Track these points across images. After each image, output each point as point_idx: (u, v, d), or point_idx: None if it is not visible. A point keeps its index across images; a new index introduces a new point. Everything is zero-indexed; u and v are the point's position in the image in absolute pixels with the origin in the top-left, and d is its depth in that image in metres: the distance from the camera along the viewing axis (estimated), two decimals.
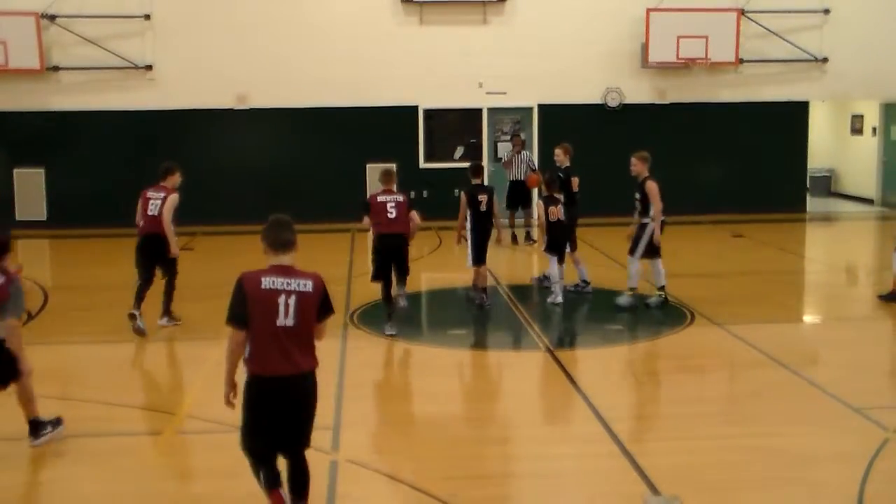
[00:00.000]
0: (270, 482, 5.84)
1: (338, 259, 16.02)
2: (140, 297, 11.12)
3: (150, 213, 11.33)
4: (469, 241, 12.37)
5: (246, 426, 5.82)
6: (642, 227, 12.27)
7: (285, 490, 5.87)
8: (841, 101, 23.79)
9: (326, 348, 10.32)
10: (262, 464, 5.86)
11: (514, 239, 18.44)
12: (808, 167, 22.45)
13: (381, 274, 11.20)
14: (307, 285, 5.71)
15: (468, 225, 12.38)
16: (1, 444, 7.65)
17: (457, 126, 21.08)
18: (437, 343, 10.91)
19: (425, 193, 20.94)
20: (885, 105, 22.72)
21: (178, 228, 16.82)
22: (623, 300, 12.21)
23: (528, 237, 18.62)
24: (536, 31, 20.64)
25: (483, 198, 12.27)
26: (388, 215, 11.13)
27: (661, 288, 12.35)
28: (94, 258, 17.22)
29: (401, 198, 11.46)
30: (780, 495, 6.49)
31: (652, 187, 12.22)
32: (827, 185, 25.25)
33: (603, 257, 16.07)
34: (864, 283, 15.22)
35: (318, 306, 5.78)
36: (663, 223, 12.36)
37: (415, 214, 11.49)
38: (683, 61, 20.48)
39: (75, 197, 20.07)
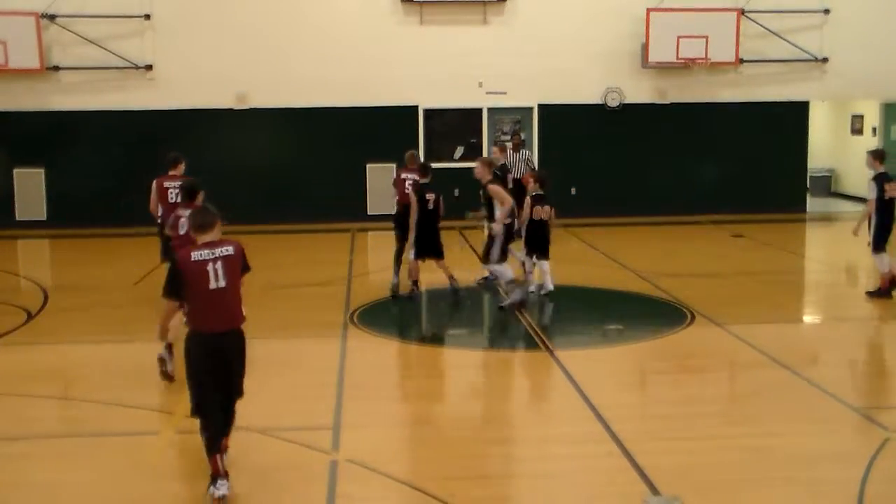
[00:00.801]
0: (212, 445, 6.48)
1: (338, 259, 16.01)
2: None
3: (170, 201, 11.59)
4: (413, 236, 12.64)
5: (189, 381, 6.55)
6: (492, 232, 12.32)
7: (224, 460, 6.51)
8: (841, 101, 23.79)
9: (326, 348, 10.38)
10: (210, 418, 6.53)
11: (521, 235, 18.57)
12: (809, 167, 22.45)
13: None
14: (229, 249, 6.51)
15: (414, 220, 12.63)
16: None
17: (457, 126, 21.06)
18: (438, 343, 10.90)
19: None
20: (885, 105, 22.70)
21: None
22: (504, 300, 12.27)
23: (519, 233, 18.63)
24: (536, 31, 20.63)
25: (431, 196, 12.61)
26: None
27: (544, 292, 12.77)
28: (93, 258, 17.22)
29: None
30: (780, 495, 6.49)
31: (494, 190, 12.23)
32: (827, 185, 25.24)
33: (603, 258, 16.06)
34: (863, 284, 15.20)
35: (241, 265, 6.57)
36: (535, 223, 12.75)
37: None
38: (683, 61, 20.47)
39: (75, 197, 20.07)
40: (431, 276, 13.19)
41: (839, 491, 6.48)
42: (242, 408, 8.27)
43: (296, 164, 20.59)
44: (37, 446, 7.57)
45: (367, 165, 20.79)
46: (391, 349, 10.60)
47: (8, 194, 20.07)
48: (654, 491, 6.42)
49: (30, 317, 12.02)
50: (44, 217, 20.19)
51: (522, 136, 19.95)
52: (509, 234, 12.57)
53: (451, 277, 12.90)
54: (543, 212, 12.83)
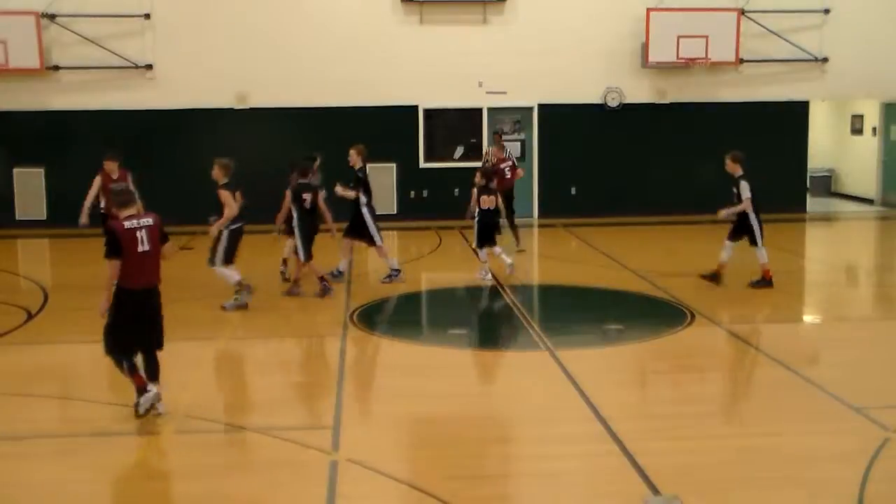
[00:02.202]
0: (132, 369, 7.94)
1: (337, 258, 16.00)
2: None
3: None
4: (298, 238, 12.90)
5: (115, 328, 7.89)
6: (220, 233, 12.41)
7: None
8: (841, 101, 23.80)
9: (326, 348, 10.38)
10: (126, 356, 7.94)
11: (513, 227, 18.87)
12: (809, 167, 22.44)
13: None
14: (150, 221, 7.93)
15: (296, 222, 12.93)
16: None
17: (457, 126, 21.06)
18: (438, 343, 10.90)
19: (425, 193, 20.96)
20: (886, 105, 22.70)
21: (176, 227, 16.83)
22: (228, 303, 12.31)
23: (513, 227, 19.00)
24: (536, 31, 20.64)
25: (307, 196, 12.95)
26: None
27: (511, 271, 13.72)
28: (93, 258, 17.14)
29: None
30: (779, 495, 6.49)
31: (223, 195, 12.36)
32: (827, 185, 25.24)
33: (603, 257, 16.06)
34: (863, 283, 15.23)
35: (160, 234, 7.96)
36: (483, 213, 13.63)
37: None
38: (684, 61, 20.48)
39: (75, 197, 20.03)
40: (434, 276, 13.19)
41: (839, 490, 6.49)
42: (242, 407, 8.29)
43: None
44: (37, 446, 7.57)
45: (368, 165, 20.75)
46: (391, 349, 10.60)
47: (8, 194, 20.07)
48: (654, 490, 6.43)
49: (30, 316, 12.02)
50: (44, 217, 20.18)
51: (506, 131, 20.21)
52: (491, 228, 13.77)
53: (295, 282, 13.09)
54: (490, 201, 13.71)
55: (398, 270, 13.89)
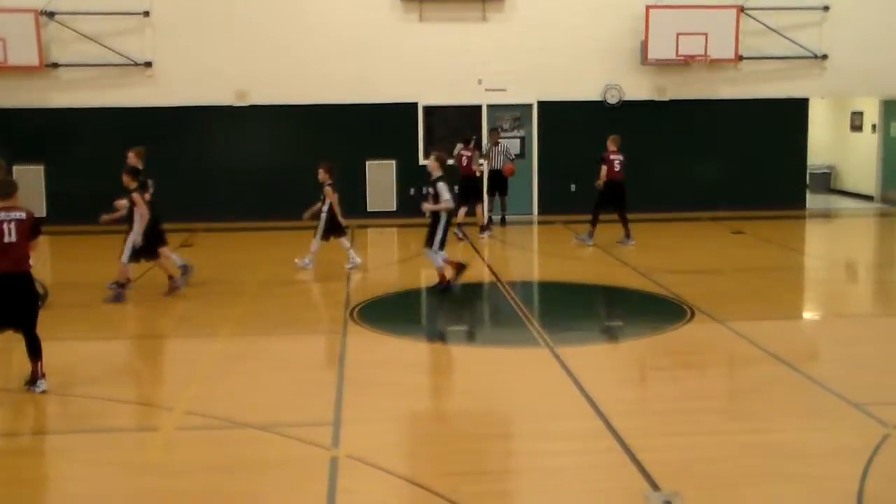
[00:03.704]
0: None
1: (336, 256, 16.01)
2: None
3: None
4: (129, 239, 12.76)
5: None
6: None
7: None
8: (840, 98, 23.81)
9: (326, 344, 10.38)
10: None
11: (503, 222, 19.70)
12: (808, 164, 22.46)
13: None
14: (21, 215, 8.66)
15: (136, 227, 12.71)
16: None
17: (456, 123, 21.06)
18: (438, 339, 10.91)
19: (424, 190, 20.91)
20: (885, 102, 22.72)
21: (177, 225, 16.85)
22: None
23: (503, 221, 19.76)
24: (536, 28, 20.64)
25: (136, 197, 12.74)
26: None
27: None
28: (93, 255, 17.19)
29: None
30: (779, 491, 6.50)
31: (134, 198, 12.60)
32: (827, 182, 25.26)
33: (603, 254, 16.06)
34: (863, 280, 15.24)
35: (30, 228, 8.62)
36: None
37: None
38: (683, 58, 20.48)
39: (75, 193, 20.06)
40: (433, 273, 13.19)
41: (839, 487, 6.49)
42: (242, 403, 8.30)
43: (295, 160, 20.55)
44: (37, 442, 7.58)
45: (367, 162, 20.80)
46: (391, 345, 10.61)
47: None
48: (655, 487, 6.43)
49: None
50: (44, 214, 20.15)
51: (500, 129, 20.32)
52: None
53: (171, 277, 13.04)
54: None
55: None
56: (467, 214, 18.23)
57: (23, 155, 20.04)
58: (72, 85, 20.22)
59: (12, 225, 8.55)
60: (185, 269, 13.49)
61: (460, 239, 17.48)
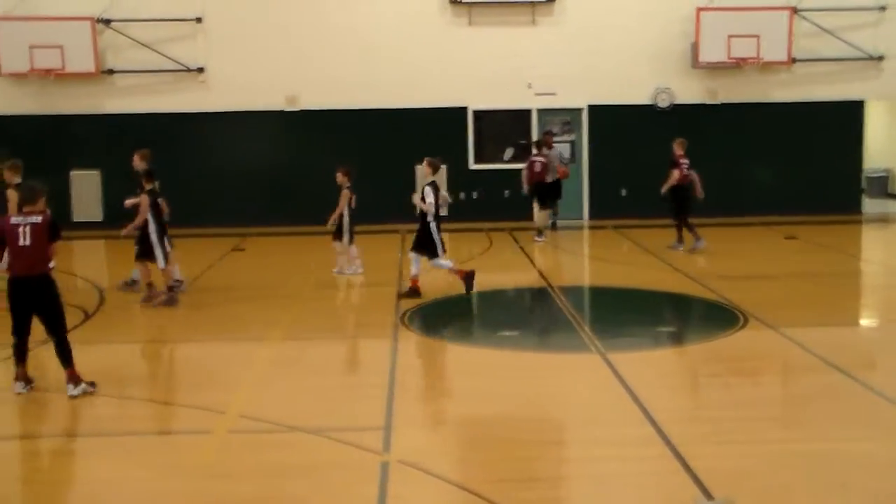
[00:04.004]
0: (19, 356, 8.85)
1: (388, 260, 16.08)
2: None
3: None
4: (155, 243, 12.81)
5: (9, 313, 8.73)
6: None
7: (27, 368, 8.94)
8: None
9: (377, 349, 10.42)
10: (15, 338, 8.76)
11: (554, 227, 19.68)
12: (865, 167, 22.08)
13: None
14: (37, 219, 8.71)
15: (152, 227, 12.84)
16: (50, 440, 7.79)
17: (506, 127, 21.05)
18: (489, 345, 10.89)
19: (475, 195, 20.96)
20: None
21: (227, 229, 17.03)
22: None
23: (554, 226, 19.78)
24: (585, 32, 20.56)
25: (162, 201, 12.99)
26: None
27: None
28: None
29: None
30: (835, 502, 6.38)
31: (143, 198, 12.86)
32: (884, 186, 24.82)
33: (654, 259, 15.94)
34: None
35: (46, 231, 8.69)
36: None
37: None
38: (735, 61, 20.27)
39: (130, 198, 20.34)
40: (485, 278, 13.17)
41: None
42: (294, 407, 8.35)
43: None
44: (93, 444, 7.69)
45: (417, 167, 20.83)
46: (442, 350, 10.62)
47: (65, 196, 20.42)
48: (707, 495, 6.36)
49: (87, 316, 12.22)
50: (100, 218, 20.52)
51: (554, 132, 20.42)
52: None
53: (149, 285, 12.95)
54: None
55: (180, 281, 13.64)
56: (545, 216, 18.75)
57: (80, 161, 20.43)
58: (126, 91, 20.55)
59: (27, 228, 8.68)
60: (133, 283, 13.54)
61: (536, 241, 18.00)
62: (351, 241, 14.63)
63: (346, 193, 14.63)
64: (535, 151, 18.87)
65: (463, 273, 13.10)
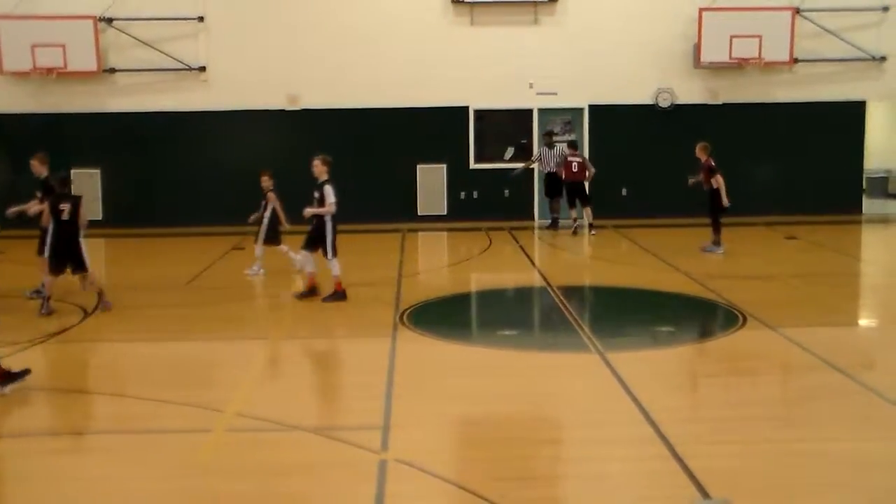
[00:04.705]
0: None
1: (388, 259, 16.08)
2: None
3: None
4: (48, 248, 12.14)
5: None
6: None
7: None
8: None
9: (375, 348, 10.42)
10: None
11: (555, 224, 19.88)
12: (865, 168, 22.05)
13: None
14: None
15: (50, 231, 12.11)
16: (46, 438, 7.79)
17: (507, 126, 21.05)
18: (487, 344, 10.89)
19: (475, 194, 20.96)
20: None
21: (228, 228, 17.05)
22: None
23: (555, 224, 19.98)
24: (587, 32, 20.56)
25: (65, 206, 12.00)
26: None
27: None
28: (148, 257, 17.47)
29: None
30: (833, 501, 6.38)
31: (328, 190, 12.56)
32: (884, 187, 24.80)
33: (654, 259, 15.93)
34: None
35: None
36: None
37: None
38: (736, 61, 20.26)
39: (130, 197, 20.40)
40: (484, 277, 13.17)
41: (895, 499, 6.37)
42: (292, 406, 8.36)
43: (347, 164, 20.63)
44: (91, 441, 7.69)
45: (418, 166, 20.85)
46: (441, 350, 10.61)
47: None
48: (705, 494, 6.36)
49: (86, 315, 12.23)
50: (100, 217, 20.51)
51: (557, 132, 20.48)
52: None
53: (99, 293, 12.47)
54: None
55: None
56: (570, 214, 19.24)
57: (80, 159, 20.42)
58: (128, 90, 20.56)
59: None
60: (40, 293, 12.56)
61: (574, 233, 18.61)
62: (266, 242, 14.60)
63: (272, 196, 14.64)
64: (569, 151, 19.07)
65: (340, 287, 12.73)
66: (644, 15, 20.54)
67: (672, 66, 20.78)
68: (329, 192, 12.61)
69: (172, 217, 20.29)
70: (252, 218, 14.84)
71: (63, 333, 11.19)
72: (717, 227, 16.42)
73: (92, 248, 19.15)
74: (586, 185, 19.13)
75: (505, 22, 20.68)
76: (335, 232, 12.72)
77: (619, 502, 6.52)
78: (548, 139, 19.86)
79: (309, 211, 12.78)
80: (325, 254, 12.69)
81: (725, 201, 16.11)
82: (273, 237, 14.72)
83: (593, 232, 18.68)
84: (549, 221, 19.92)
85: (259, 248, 14.78)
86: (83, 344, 10.99)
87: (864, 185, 22.32)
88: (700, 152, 16.49)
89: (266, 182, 14.79)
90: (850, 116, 21.06)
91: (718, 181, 16.17)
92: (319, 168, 12.94)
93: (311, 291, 12.83)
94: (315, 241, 12.76)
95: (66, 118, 20.31)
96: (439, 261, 17.69)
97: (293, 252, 14.23)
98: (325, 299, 12.67)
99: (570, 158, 18.90)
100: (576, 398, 8.72)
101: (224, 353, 10.76)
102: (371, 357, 10.31)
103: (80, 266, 12.15)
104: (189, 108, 20.40)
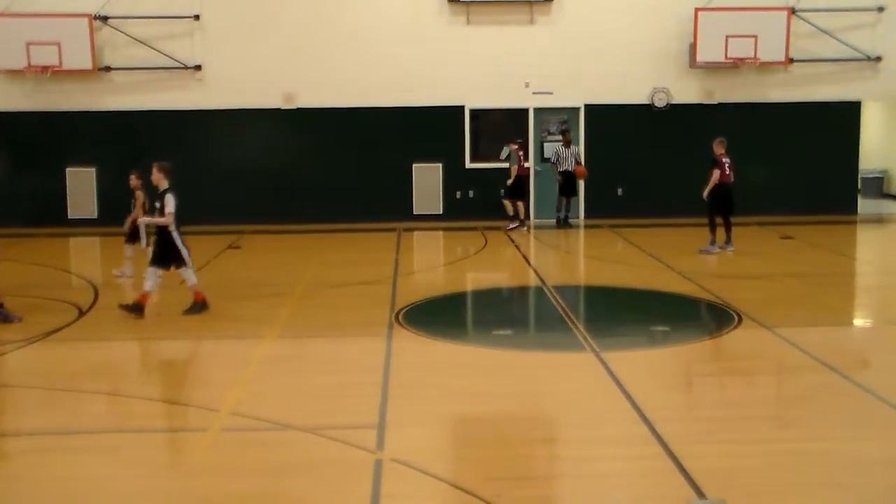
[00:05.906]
0: None
1: (384, 258, 16.08)
2: None
3: None
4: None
5: None
6: None
7: None
8: (894, 101, 23.40)
9: (371, 348, 10.41)
10: None
11: (566, 221, 20.12)
12: (861, 168, 22.09)
13: None
14: None
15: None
16: (42, 437, 7.78)
17: (503, 126, 21.04)
18: (483, 343, 10.89)
19: (471, 193, 20.95)
20: None
21: (224, 227, 17.01)
22: None
23: (566, 222, 20.28)
24: (583, 31, 20.56)
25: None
26: None
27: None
28: (143, 256, 17.41)
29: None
30: (829, 501, 6.39)
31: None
32: (879, 187, 24.85)
33: (649, 258, 15.94)
34: None
35: None
36: None
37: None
38: (732, 61, 20.27)
39: (125, 196, 20.32)
40: (479, 277, 13.17)
41: (890, 498, 6.38)
42: (287, 405, 8.36)
43: (342, 163, 20.70)
44: (85, 440, 7.67)
45: (414, 165, 20.84)
46: (436, 349, 10.61)
47: (60, 193, 20.41)
48: (700, 494, 6.36)
49: (81, 313, 12.21)
50: (95, 215, 20.50)
51: (569, 134, 20.29)
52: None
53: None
54: None
55: None
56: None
57: (75, 157, 20.40)
58: (123, 88, 20.53)
59: None
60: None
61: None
62: (148, 243, 13.61)
63: (140, 195, 14.24)
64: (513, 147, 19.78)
65: (199, 297, 12.12)
66: (640, 15, 20.55)
67: (668, 65, 20.79)
68: (170, 200, 11.92)
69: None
70: (128, 223, 14.40)
71: (58, 332, 11.17)
72: (727, 226, 16.54)
73: (87, 247, 19.28)
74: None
75: (501, 21, 20.67)
76: (181, 239, 12.08)
77: (614, 502, 6.52)
78: (565, 138, 20.11)
79: (145, 220, 12.52)
80: (177, 266, 12.04)
81: (704, 193, 16.25)
82: (135, 235, 14.22)
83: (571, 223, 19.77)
84: (556, 219, 20.32)
85: (128, 248, 14.51)
86: (78, 342, 10.96)
87: (860, 185, 22.36)
88: (717, 146, 16.56)
89: (135, 182, 14.29)
90: (845, 116, 21.08)
91: (715, 176, 16.22)
92: (157, 176, 12.21)
93: (136, 307, 11.84)
94: (165, 257, 12.00)
95: (61, 117, 20.27)
96: (435, 260, 17.69)
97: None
98: (187, 312, 11.96)
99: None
100: (571, 398, 8.72)
101: (220, 352, 10.75)
102: (366, 356, 10.31)
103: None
104: (185, 106, 20.37)
